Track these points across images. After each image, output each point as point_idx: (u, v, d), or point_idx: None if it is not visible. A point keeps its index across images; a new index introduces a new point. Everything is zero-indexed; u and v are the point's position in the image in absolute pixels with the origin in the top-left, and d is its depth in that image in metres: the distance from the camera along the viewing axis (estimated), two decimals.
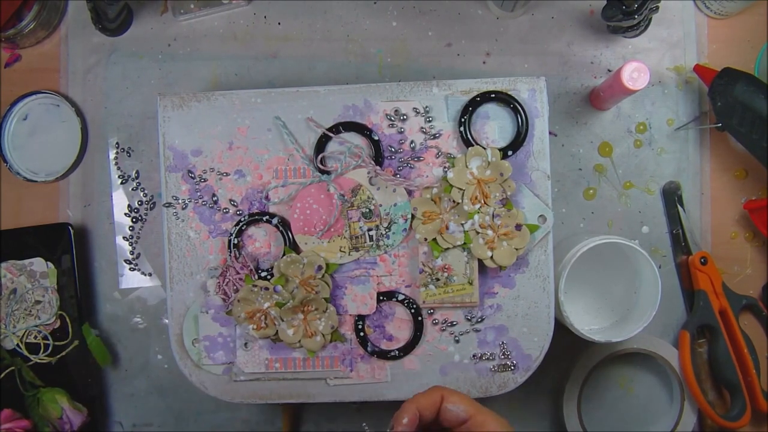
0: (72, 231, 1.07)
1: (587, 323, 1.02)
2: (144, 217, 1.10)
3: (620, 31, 1.06)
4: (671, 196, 1.07)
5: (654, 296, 0.94)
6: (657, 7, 1.01)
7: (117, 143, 1.10)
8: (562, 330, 0.96)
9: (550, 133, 1.06)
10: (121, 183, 1.10)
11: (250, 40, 1.11)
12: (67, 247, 1.07)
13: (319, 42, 1.10)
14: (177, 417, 1.11)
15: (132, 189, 1.10)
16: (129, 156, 1.10)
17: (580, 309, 1.04)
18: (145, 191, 1.10)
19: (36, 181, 1.10)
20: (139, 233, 1.10)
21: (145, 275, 1.10)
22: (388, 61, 1.10)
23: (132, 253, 1.10)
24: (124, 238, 1.10)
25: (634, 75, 0.95)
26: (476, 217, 0.89)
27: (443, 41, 1.09)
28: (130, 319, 1.10)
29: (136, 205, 1.10)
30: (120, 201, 1.10)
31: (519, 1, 1.05)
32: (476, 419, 0.73)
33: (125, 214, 1.10)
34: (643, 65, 0.95)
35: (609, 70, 1.09)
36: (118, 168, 1.10)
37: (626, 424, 1.10)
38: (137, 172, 1.10)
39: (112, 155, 1.10)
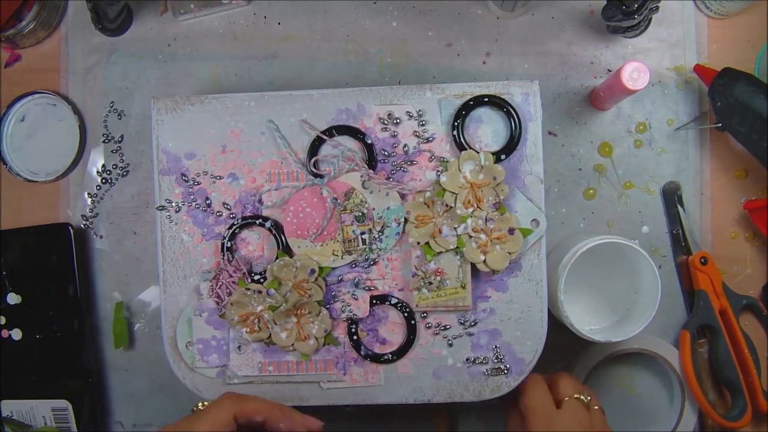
0: (72, 231, 1.07)
1: (587, 323, 1.02)
2: (113, 181, 1.11)
3: (620, 31, 1.06)
4: (671, 196, 1.07)
5: (654, 296, 0.94)
6: (657, 7, 1.00)
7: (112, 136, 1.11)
8: (561, 330, 0.96)
9: (550, 132, 1.06)
10: (104, 142, 1.11)
11: (250, 40, 1.11)
12: (68, 247, 1.08)
13: (319, 42, 1.10)
14: (178, 416, 1.11)
15: (112, 151, 1.11)
16: (120, 119, 1.11)
17: (580, 309, 1.04)
18: (123, 157, 1.11)
19: (36, 182, 1.11)
20: (103, 195, 1.11)
21: None
22: (388, 61, 1.10)
23: (92, 211, 1.11)
24: (88, 194, 1.11)
25: (634, 75, 0.95)
26: (469, 221, 0.89)
27: (443, 41, 1.09)
28: (131, 319, 1.11)
29: (110, 168, 1.11)
30: (97, 159, 1.11)
31: (519, 1, 1.05)
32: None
33: (97, 172, 1.11)
34: (643, 65, 0.94)
35: (609, 70, 1.08)
36: (106, 127, 1.11)
37: (626, 424, 1.10)
38: (121, 136, 1.11)
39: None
